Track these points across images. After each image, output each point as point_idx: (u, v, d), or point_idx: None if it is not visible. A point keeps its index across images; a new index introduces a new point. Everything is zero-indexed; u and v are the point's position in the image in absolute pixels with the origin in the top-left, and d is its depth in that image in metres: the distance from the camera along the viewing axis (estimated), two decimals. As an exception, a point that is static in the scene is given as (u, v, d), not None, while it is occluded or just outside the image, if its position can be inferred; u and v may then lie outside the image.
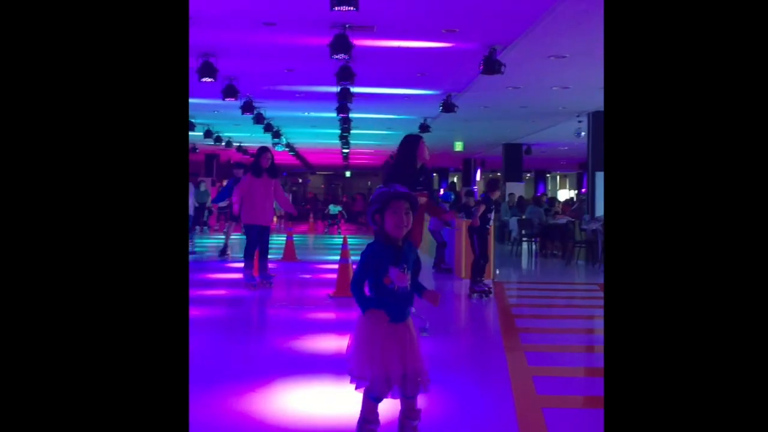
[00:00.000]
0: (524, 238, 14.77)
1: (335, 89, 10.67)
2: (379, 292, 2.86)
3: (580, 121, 13.92)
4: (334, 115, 13.41)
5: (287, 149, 22.61)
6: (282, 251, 11.98)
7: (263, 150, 8.44)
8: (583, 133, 14.22)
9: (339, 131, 17.13)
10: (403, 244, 2.90)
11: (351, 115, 13.44)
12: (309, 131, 18.49)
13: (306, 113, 14.81)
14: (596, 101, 11.85)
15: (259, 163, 8.26)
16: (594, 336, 6.63)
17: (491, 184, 8.68)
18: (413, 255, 2.98)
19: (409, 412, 2.92)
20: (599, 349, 6.03)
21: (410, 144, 5.79)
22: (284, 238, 12.46)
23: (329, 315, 6.92)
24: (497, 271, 8.86)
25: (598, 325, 7.17)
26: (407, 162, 5.71)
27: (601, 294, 8.73)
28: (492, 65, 8.03)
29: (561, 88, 10.66)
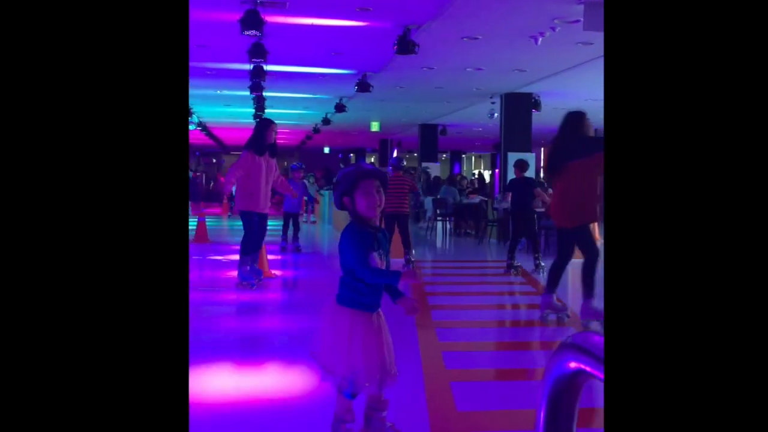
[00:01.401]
0: (439, 218, 15.00)
1: (248, 67, 10.46)
2: (356, 280, 2.66)
3: (493, 103, 14.18)
4: (247, 93, 13.16)
5: (199, 128, 22.07)
6: (194, 233, 11.73)
7: (267, 123, 7.02)
8: (496, 114, 14.51)
9: (253, 110, 16.85)
10: (377, 227, 2.70)
11: (265, 93, 13.22)
12: (222, 110, 18.09)
13: (218, 91, 14.47)
14: (508, 83, 12.10)
15: (262, 138, 6.85)
16: (503, 311, 6.83)
17: (523, 165, 9.04)
18: (386, 240, 2.78)
19: (377, 403, 2.75)
20: (509, 323, 6.22)
21: (578, 120, 5.69)
22: (196, 220, 12.20)
23: (243, 296, 6.83)
24: (413, 251, 9.00)
25: (507, 300, 7.39)
26: (578, 137, 5.62)
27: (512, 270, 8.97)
28: (406, 45, 8.05)
29: (474, 69, 10.82)
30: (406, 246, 8.87)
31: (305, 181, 13.71)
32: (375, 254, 2.64)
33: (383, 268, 2.70)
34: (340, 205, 2.70)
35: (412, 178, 9.90)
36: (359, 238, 2.62)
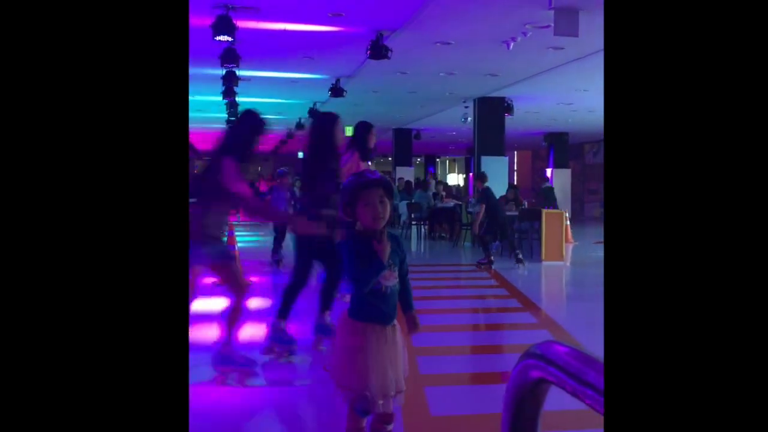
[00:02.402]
0: (413, 222, 15.03)
1: (220, 72, 10.41)
2: (364, 294, 2.52)
3: (466, 107, 14.27)
4: (220, 98, 13.07)
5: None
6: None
7: (369, 126, 6.61)
8: (469, 119, 14.59)
9: (226, 116, 16.75)
10: (385, 237, 2.53)
11: (238, 99, 13.16)
12: (194, 115, 17.95)
13: (191, 97, 14.37)
14: (481, 87, 12.18)
15: (366, 141, 6.47)
16: (478, 315, 6.86)
17: (484, 176, 9.81)
18: (400, 250, 2.63)
19: (384, 417, 2.58)
20: (483, 327, 6.24)
21: None
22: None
23: (214, 302, 6.77)
24: None
25: (482, 304, 7.41)
26: None
27: (486, 274, 9.03)
28: (379, 50, 8.07)
29: (447, 74, 10.87)
30: None
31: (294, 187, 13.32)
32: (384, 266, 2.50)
33: (395, 278, 2.58)
34: (344, 214, 2.57)
35: None
36: (355, 252, 2.49)
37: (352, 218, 2.53)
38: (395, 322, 2.60)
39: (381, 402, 2.46)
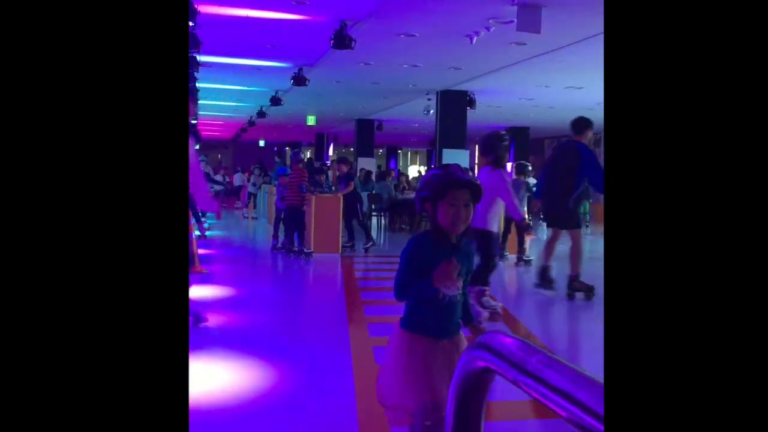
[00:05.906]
0: (374, 213, 15.04)
1: (181, 56, 10.24)
2: (419, 300, 2.27)
3: (429, 99, 14.31)
4: (180, 83, 12.88)
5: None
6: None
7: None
8: (432, 111, 14.64)
9: (187, 101, 16.52)
10: (459, 242, 2.27)
11: (198, 84, 12.98)
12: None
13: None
14: (444, 80, 12.22)
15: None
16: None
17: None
18: (470, 258, 2.36)
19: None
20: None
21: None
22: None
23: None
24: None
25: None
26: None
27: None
28: (342, 40, 8.04)
29: (411, 66, 10.89)
30: (301, 237, 9.38)
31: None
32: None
33: (458, 289, 2.27)
34: (421, 209, 2.33)
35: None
36: (415, 254, 2.25)
37: (430, 214, 2.28)
38: (456, 337, 2.30)
39: (428, 423, 2.16)
